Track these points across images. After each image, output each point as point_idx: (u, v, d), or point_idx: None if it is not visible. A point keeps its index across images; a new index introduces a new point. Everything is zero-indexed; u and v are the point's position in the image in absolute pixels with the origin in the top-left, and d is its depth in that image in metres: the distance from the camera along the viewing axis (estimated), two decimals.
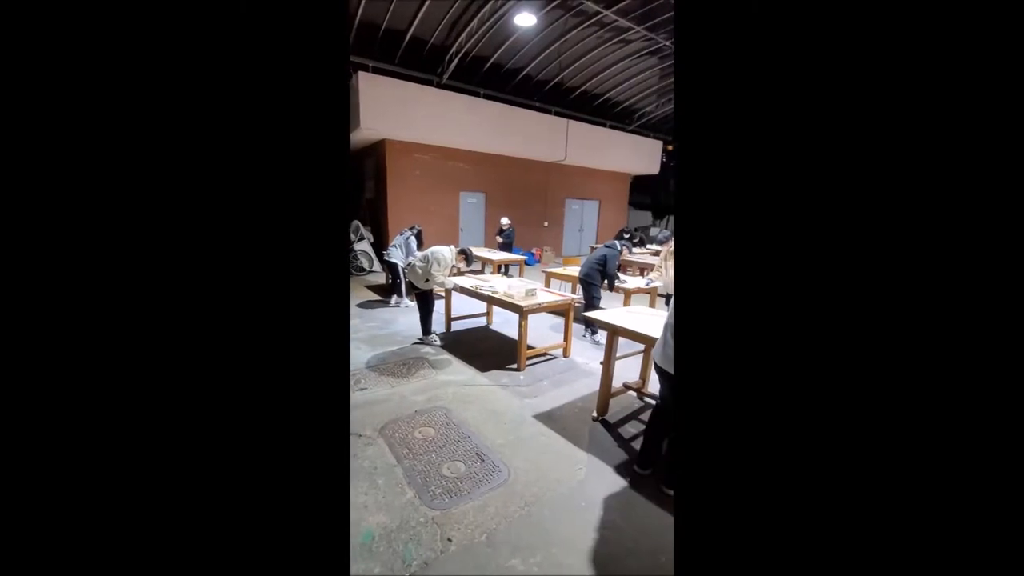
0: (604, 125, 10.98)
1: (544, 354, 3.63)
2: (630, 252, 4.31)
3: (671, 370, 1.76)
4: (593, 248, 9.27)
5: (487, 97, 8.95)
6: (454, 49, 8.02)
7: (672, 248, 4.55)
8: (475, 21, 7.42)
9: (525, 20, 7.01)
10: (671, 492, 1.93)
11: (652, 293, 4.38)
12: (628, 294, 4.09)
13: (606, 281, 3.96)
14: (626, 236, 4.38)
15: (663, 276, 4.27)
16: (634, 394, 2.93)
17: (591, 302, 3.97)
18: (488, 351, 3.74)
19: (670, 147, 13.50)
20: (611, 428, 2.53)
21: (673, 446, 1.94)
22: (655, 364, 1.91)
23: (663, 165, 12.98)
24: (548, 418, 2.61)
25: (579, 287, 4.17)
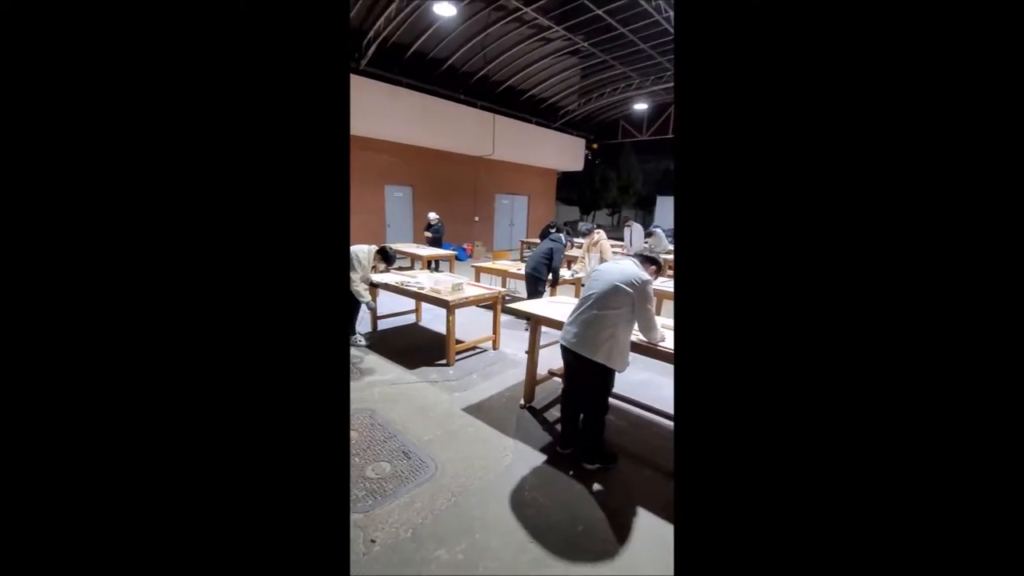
0: (530, 121, 11.21)
1: (474, 347, 3.66)
2: (572, 245, 4.48)
3: (567, 344, 1.94)
4: (525, 243, 9.49)
5: (409, 87, 8.67)
6: (372, 34, 7.64)
7: (594, 240, 4.83)
8: (393, 6, 7.13)
9: (445, 10, 6.88)
10: (590, 466, 2.08)
11: (577, 284, 4.62)
12: (554, 285, 4.26)
13: (551, 275, 4.07)
14: (552, 230, 4.55)
15: (586, 267, 4.52)
16: (559, 379, 3.08)
17: (536, 296, 4.05)
18: (416, 348, 3.68)
19: (594, 146, 14.20)
20: (537, 414, 2.64)
21: (586, 426, 2.09)
22: (561, 346, 2.03)
23: (586, 162, 13.63)
24: (477, 410, 2.65)
25: (525, 282, 4.23)
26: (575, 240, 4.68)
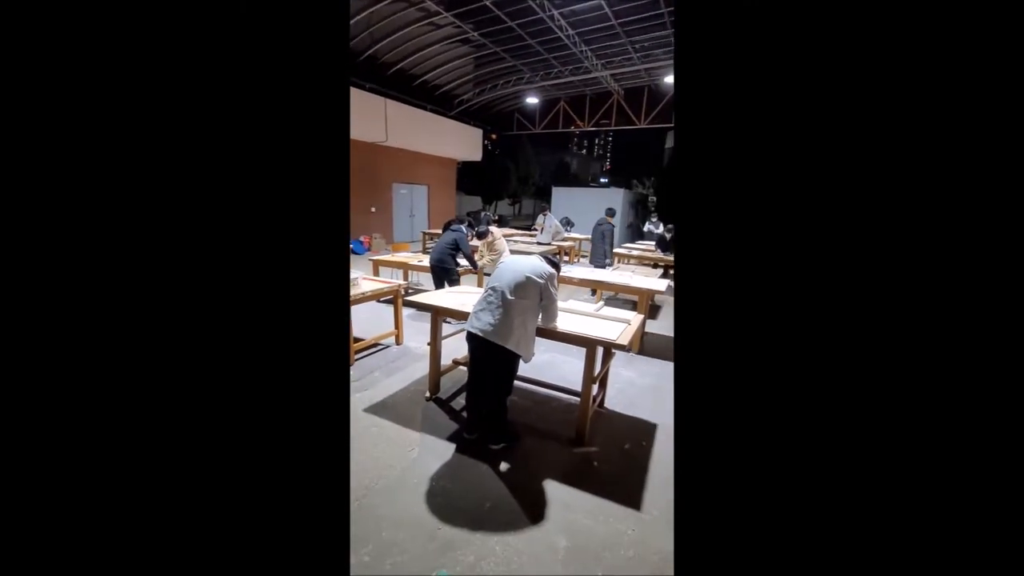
0: (425, 108, 10.88)
1: (375, 345, 3.50)
2: (473, 236, 4.50)
3: (476, 330, 2.00)
4: (427, 234, 9.26)
5: None
6: None
7: (490, 240, 4.95)
8: None
9: None
10: (495, 446, 2.17)
11: (479, 274, 4.69)
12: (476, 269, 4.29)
13: (465, 261, 4.09)
14: (455, 225, 4.54)
15: (483, 258, 4.63)
16: (464, 368, 3.12)
17: (446, 285, 4.01)
18: None
19: (493, 136, 14.37)
20: (443, 404, 2.65)
21: (492, 409, 2.17)
22: (469, 334, 2.08)
23: (485, 152, 13.75)
24: (381, 408, 2.56)
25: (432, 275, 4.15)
26: (474, 237, 4.73)
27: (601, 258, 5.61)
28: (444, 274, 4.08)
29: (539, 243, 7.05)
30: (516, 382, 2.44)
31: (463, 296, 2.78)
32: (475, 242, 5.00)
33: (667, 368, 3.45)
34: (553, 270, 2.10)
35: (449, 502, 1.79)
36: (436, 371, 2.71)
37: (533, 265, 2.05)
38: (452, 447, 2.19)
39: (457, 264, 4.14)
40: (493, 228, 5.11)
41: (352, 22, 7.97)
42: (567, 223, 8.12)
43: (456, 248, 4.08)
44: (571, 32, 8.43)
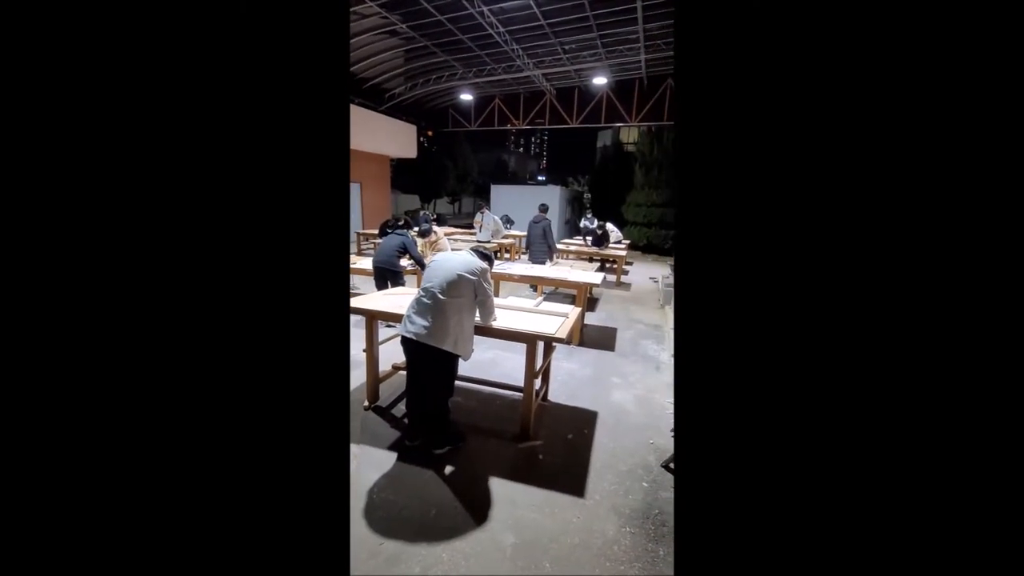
0: (353, 101, 10.32)
1: None
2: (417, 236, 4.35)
3: (411, 335, 1.93)
4: (361, 234, 8.80)
5: None
6: None
7: (433, 240, 4.83)
8: None
9: None
10: (439, 451, 2.12)
11: (418, 275, 4.56)
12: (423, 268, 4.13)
13: (412, 261, 3.96)
14: (390, 225, 4.37)
15: (426, 258, 4.51)
16: (404, 373, 3.02)
17: (393, 287, 3.86)
18: None
19: (429, 132, 14.02)
20: (383, 412, 2.54)
21: (433, 413, 2.11)
22: (403, 338, 2.00)
23: (422, 149, 13.39)
24: None
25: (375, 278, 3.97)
26: (416, 236, 4.59)
27: (541, 254, 5.72)
28: (393, 276, 3.96)
29: (479, 241, 7.03)
30: (459, 382, 2.40)
31: (398, 298, 2.68)
32: (418, 240, 4.85)
33: (605, 357, 3.61)
34: (486, 264, 2.05)
35: (392, 514, 1.72)
36: (374, 378, 2.58)
37: (465, 262, 2.00)
38: (393, 456, 2.10)
39: (419, 261, 4.03)
40: (435, 227, 5.00)
41: None
42: (507, 221, 8.18)
43: (404, 251, 3.97)
44: (502, 30, 8.46)
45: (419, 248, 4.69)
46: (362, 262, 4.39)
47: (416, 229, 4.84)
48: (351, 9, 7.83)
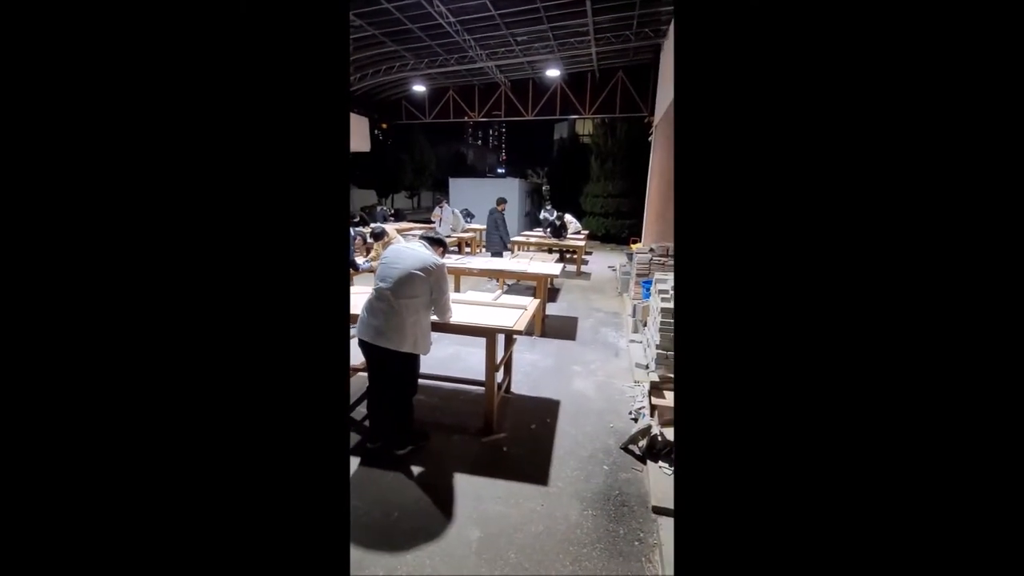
0: None
1: None
2: (364, 243, 4.15)
3: (369, 339, 1.88)
4: None
5: None
6: None
7: (388, 239, 4.67)
8: None
9: None
10: (401, 451, 2.08)
11: (373, 272, 4.42)
12: (351, 275, 3.97)
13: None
14: (355, 221, 4.21)
15: (377, 256, 4.37)
16: (363, 375, 2.93)
17: None
18: None
19: (384, 125, 13.52)
20: None
21: (396, 413, 2.07)
22: (360, 341, 1.94)
23: (376, 142, 12.93)
24: None
25: None
26: (367, 239, 4.39)
27: (497, 245, 5.71)
28: None
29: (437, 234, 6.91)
30: (421, 380, 2.36)
31: (355, 297, 2.58)
32: (371, 240, 4.68)
33: (567, 347, 3.68)
34: (439, 258, 1.98)
35: (355, 520, 1.67)
36: None
37: (417, 258, 1.91)
38: (354, 461, 2.04)
39: (352, 265, 3.86)
40: (388, 227, 4.83)
41: None
42: (467, 214, 8.10)
43: None
44: (452, 19, 8.28)
45: (373, 251, 4.54)
46: None
47: (368, 230, 4.67)
48: None
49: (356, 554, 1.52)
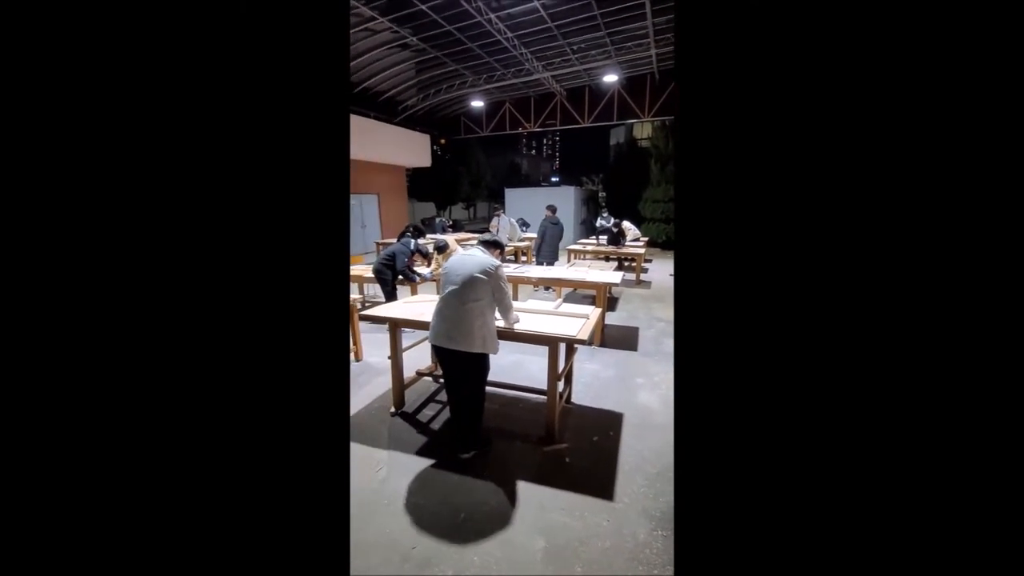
0: (368, 115, 10.58)
1: None
2: (422, 257, 4.36)
3: (441, 344, 1.97)
4: (381, 244, 9.00)
5: None
6: None
7: (451, 251, 4.86)
8: None
9: None
10: (466, 455, 2.14)
11: (437, 280, 4.61)
12: (414, 285, 4.18)
13: (400, 275, 4.04)
14: (409, 233, 4.46)
15: (439, 267, 4.56)
16: (429, 379, 3.06)
17: (388, 296, 3.98)
18: None
19: (443, 140, 14.22)
20: (410, 418, 2.58)
21: (465, 415, 2.13)
22: (433, 345, 2.04)
23: (435, 157, 13.59)
24: None
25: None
26: (429, 251, 4.56)
27: (547, 256, 5.69)
28: (382, 285, 4.07)
29: None
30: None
31: (419, 306, 2.72)
32: (435, 254, 4.86)
33: (628, 357, 3.56)
34: (497, 259, 2.06)
35: (422, 518, 1.74)
36: (399, 385, 2.63)
37: (477, 262, 2.01)
38: (421, 462, 2.13)
39: (403, 275, 4.07)
40: (449, 239, 5.00)
41: None
42: (523, 224, 8.19)
43: (393, 259, 4.05)
44: (510, 35, 8.52)
45: (434, 263, 4.72)
46: None
47: (425, 240, 4.87)
48: (364, 26, 8.05)
49: (425, 550, 1.58)
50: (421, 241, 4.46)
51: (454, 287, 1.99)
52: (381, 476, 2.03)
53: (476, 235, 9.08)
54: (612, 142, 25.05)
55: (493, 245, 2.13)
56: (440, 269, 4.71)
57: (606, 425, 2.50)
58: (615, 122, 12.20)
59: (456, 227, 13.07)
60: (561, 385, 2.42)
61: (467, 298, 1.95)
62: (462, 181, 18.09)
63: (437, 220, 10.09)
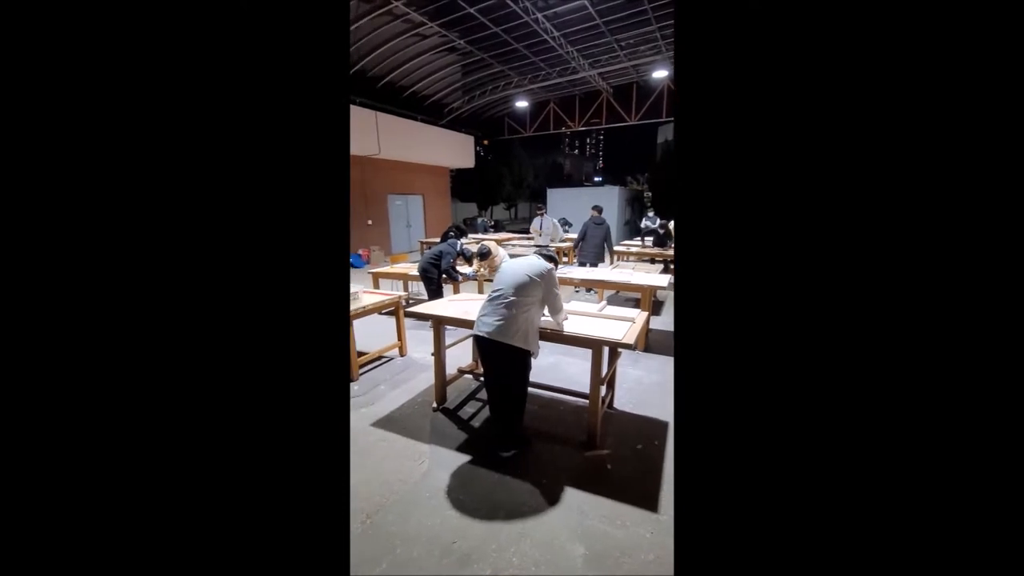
0: (415, 118, 10.92)
1: (379, 357, 3.48)
2: (464, 259, 4.42)
3: (486, 334, 2.01)
4: (424, 243, 9.27)
5: None
6: None
7: (495, 263, 4.87)
8: None
9: None
10: (506, 454, 2.14)
11: (480, 280, 4.67)
12: (456, 284, 4.26)
13: (444, 275, 4.12)
14: (452, 234, 4.54)
15: (482, 269, 4.59)
16: (470, 376, 3.10)
17: (432, 294, 4.06)
18: None
19: (486, 141, 14.43)
20: (451, 414, 2.62)
21: (506, 413, 2.14)
22: (477, 338, 2.06)
23: (478, 158, 13.80)
24: (388, 422, 2.53)
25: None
26: (468, 254, 4.57)
27: (590, 256, 5.57)
28: (426, 283, 4.15)
29: (537, 246, 7.04)
30: None
31: (464, 304, 2.76)
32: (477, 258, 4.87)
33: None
34: (551, 264, 2.12)
35: (463, 514, 1.76)
36: (442, 381, 2.68)
37: (532, 264, 2.09)
38: (462, 457, 2.16)
39: (447, 274, 4.14)
40: (492, 245, 4.99)
41: None
42: (565, 224, 8.11)
43: (439, 259, 4.12)
44: (556, 34, 8.46)
45: (477, 267, 4.76)
46: None
47: (466, 240, 4.90)
48: (414, 32, 8.32)
49: (465, 546, 1.59)
50: (463, 241, 4.53)
51: (505, 286, 2.04)
52: (423, 469, 2.08)
53: (517, 235, 9.11)
54: (660, 140, 24.19)
55: (550, 259, 2.18)
56: (482, 270, 4.76)
57: (650, 433, 2.41)
58: (663, 119, 11.77)
59: (498, 227, 13.18)
60: (603, 389, 2.36)
61: (518, 295, 2.00)
62: (504, 182, 18.22)
63: (479, 220, 10.24)
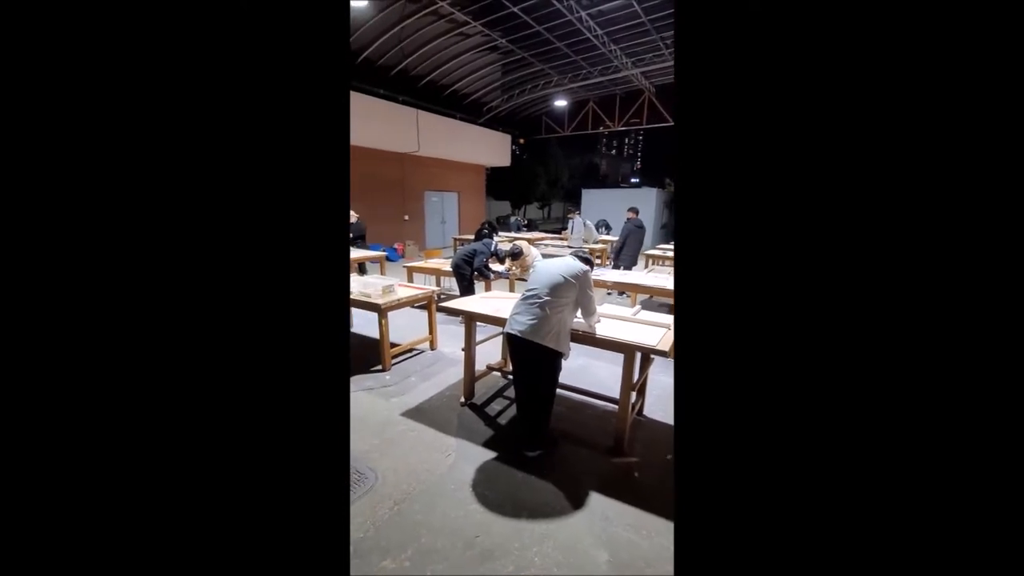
0: (455, 117, 11.09)
1: (411, 349, 3.57)
2: (494, 251, 4.46)
3: (518, 332, 2.02)
4: (458, 239, 9.41)
5: None
6: None
7: (527, 264, 4.84)
8: None
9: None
10: (531, 453, 2.14)
11: (511, 279, 4.68)
12: (488, 282, 4.30)
13: (476, 272, 4.20)
14: (486, 232, 4.60)
15: (514, 268, 4.59)
16: (498, 374, 3.12)
17: (464, 291, 4.13)
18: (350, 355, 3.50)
19: (522, 140, 14.44)
20: (478, 409, 2.65)
21: (533, 412, 2.14)
22: (509, 336, 2.07)
23: (514, 157, 13.82)
24: (417, 412, 2.59)
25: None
26: (501, 253, 4.56)
27: (626, 260, 5.44)
28: (459, 279, 4.21)
29: (569, 247, 6.97)
30: None
31: (496, 301, 2.78)
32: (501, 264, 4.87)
33: None
34: (586, 267, 2.10)
35: (487, 510, 1.78)
36: (471, 376, 2.72)
37: (567, 265, 2.07)
38: (488, 453, 2.18)
39: (479, 272, 4.19)
40: (524, 245, 4.98)
41: (383, 38, 8.28)
42: (604, 226, 7.98)
43: (472, 257, 4.18)
44: (599, 32, 8.34)
45: (509, 266, 4.75)
46: None
47: (499, 239, 4.90)
48: (457, 31, 8.43)
49: (488, 541, 1.61)
50: (496, 239, 4.56)
51: (539, 286, 2.03)
52: (450, 462, 2.11)
53: (549, 235, 9.06)
54: None
55: (586, 262, 2.16)
56: (514, 269, 4.76)
57: None
58: None
59: (531, 226, 13.17)
60: (633, 396, 2.31)
61: (552, 295, 2.00)
62: (539, 181, 18.17)
63: (512, 219, 10.27)
